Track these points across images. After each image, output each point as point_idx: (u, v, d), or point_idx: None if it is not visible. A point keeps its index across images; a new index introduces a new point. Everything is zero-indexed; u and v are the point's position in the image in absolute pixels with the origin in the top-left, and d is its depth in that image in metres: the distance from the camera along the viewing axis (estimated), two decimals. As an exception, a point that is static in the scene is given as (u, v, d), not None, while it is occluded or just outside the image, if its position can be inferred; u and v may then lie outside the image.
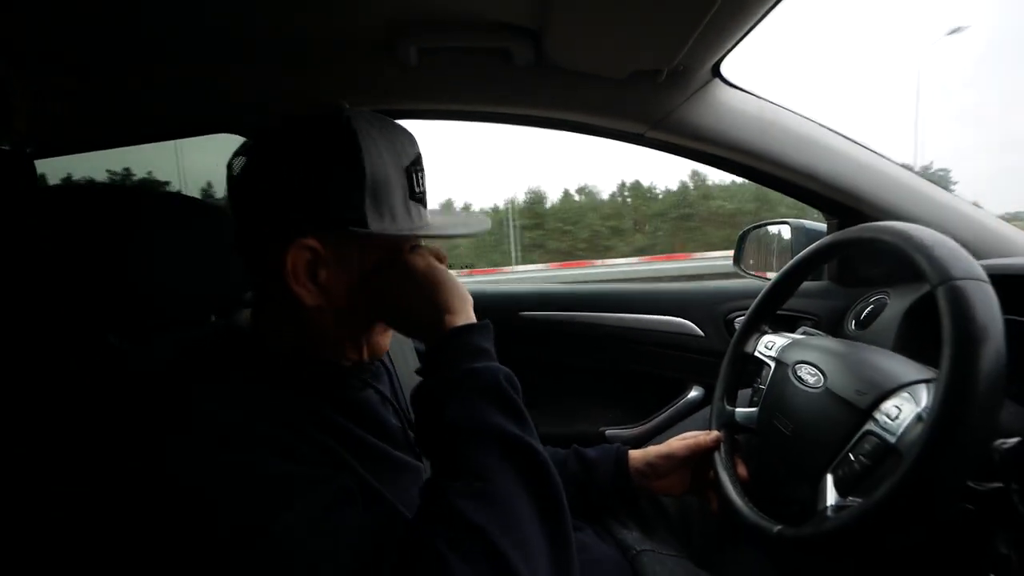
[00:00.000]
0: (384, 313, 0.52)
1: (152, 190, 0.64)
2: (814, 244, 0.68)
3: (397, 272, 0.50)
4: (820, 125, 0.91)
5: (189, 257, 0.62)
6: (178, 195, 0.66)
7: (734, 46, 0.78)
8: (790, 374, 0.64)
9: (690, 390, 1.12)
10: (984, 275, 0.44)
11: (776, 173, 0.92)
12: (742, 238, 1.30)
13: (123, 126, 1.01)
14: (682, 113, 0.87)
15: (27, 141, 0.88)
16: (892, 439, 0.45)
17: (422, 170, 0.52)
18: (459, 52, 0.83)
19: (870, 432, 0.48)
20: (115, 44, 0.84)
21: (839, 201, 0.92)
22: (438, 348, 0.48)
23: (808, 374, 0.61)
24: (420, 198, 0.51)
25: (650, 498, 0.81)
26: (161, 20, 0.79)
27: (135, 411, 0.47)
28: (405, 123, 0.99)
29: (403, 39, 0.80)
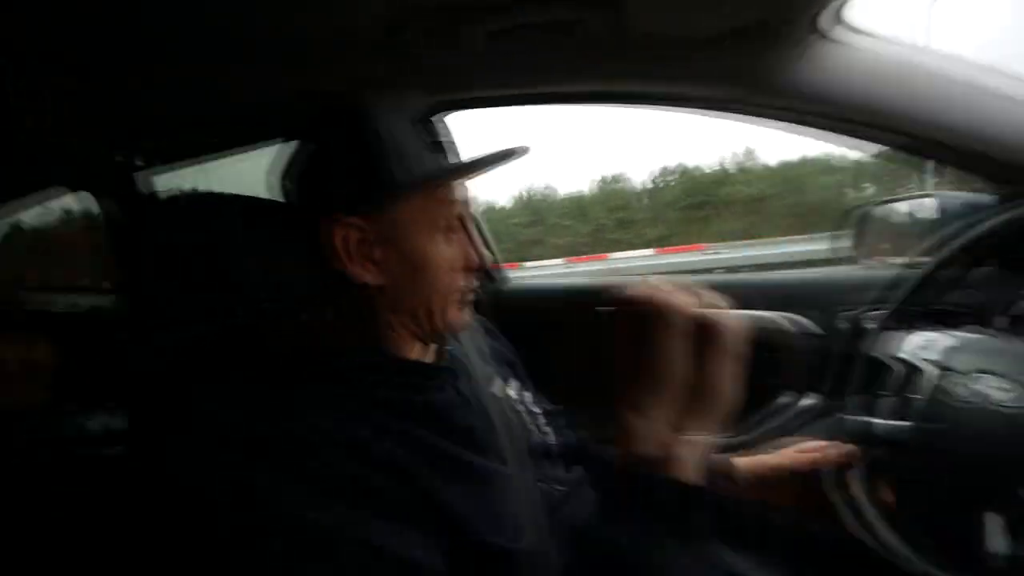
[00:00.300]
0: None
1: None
2: (1007, 213, 0.53)
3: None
4: (984, 68, 0.72)
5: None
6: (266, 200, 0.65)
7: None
8: (964, 384, 0.50)
9: (804, 397, 0.97)
10: None
11: (923, 134, 0.74)
12: (863, 219, 1.10)
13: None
14: (794, 73, 0.73)
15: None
16: None
17: (436, 120, 0.53)
18: (529, 30, 0.76)
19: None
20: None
21: (1015, 163, 0.72)
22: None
23: (995, 388, 0.47)
24: (443, 146, 0.52)
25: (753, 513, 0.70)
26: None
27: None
28: (475, 112, 0.94)
29: (468, 23, 0.75)
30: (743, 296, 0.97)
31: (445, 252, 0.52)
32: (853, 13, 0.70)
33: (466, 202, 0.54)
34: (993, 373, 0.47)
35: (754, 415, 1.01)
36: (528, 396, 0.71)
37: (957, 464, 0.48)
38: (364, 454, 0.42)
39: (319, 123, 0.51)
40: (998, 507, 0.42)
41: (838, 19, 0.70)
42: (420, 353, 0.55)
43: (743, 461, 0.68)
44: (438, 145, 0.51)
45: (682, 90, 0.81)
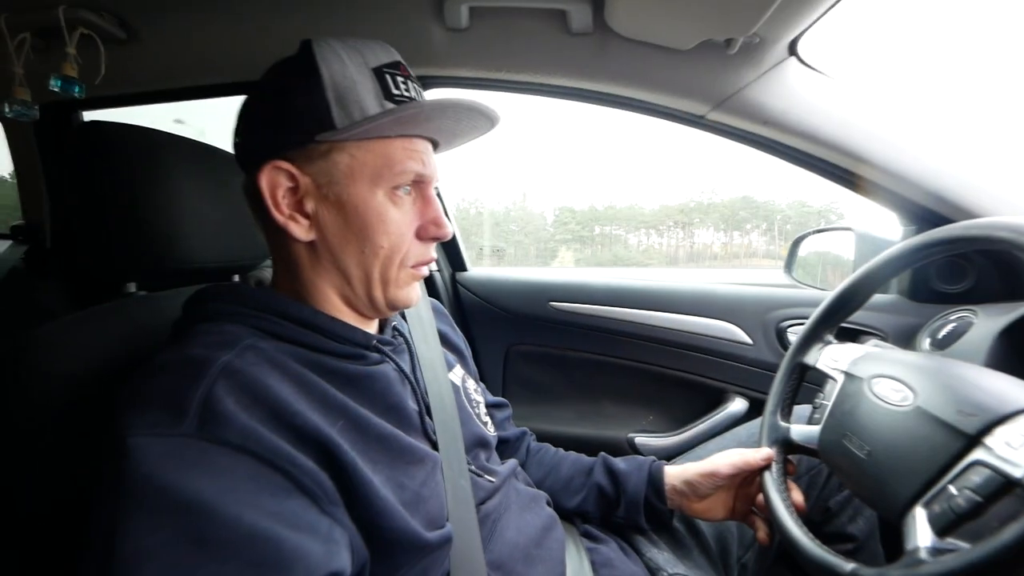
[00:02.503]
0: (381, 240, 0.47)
1: (185, 138, 0.60)
2: (902, 243, 0.59)
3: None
4: (909, 120, 0.81)
5: (219, 212, 0.60)
6: (217, 149, 0.63)
7: (819, 19, 0.70)
8: (866, 389, 0.55)
9: (732, 401, 1.03)
10: None
11: (852, 168, 0.82)
12: (796, 244, 1.21)
13: (167, 80, 1.00)
14: (751, 93, 0.79)
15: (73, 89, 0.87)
16: (1017, 472, 0.37)
17: (404, 77, 0.48)
18: (513, 13, 0.77)
19: (981, 462, 0.40)
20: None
21: (923, 205, 0.82)
22: None
23: (891, 390, 0.52)
24: (398, 99, 0.46)
25: (683, 517, 0.73)
26: None
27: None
28: (450, 92, 0.94)
29: (453, -3, 0.75)
30: (686, 304, 1.05)
31: (390, 212, 0.47)
32: (807, 48, 0.77)
33: (427, 166, 0.49)
34: (889, 377, 0.53)
35: (690, 418, 1.07)
36: (472, 384, 0.70)
37: (863, 462, 0.51)
38: (284, 418, 0.39)
39: (273, 68, 0.48)
40: (910, 502, 0.43)
41: (793, 52, 0.76)
42: (362, 323, 0.52)
43: (673, 469, 0.70)
44: (390, 95, 0.46)
45: (651, 98, 0.85)
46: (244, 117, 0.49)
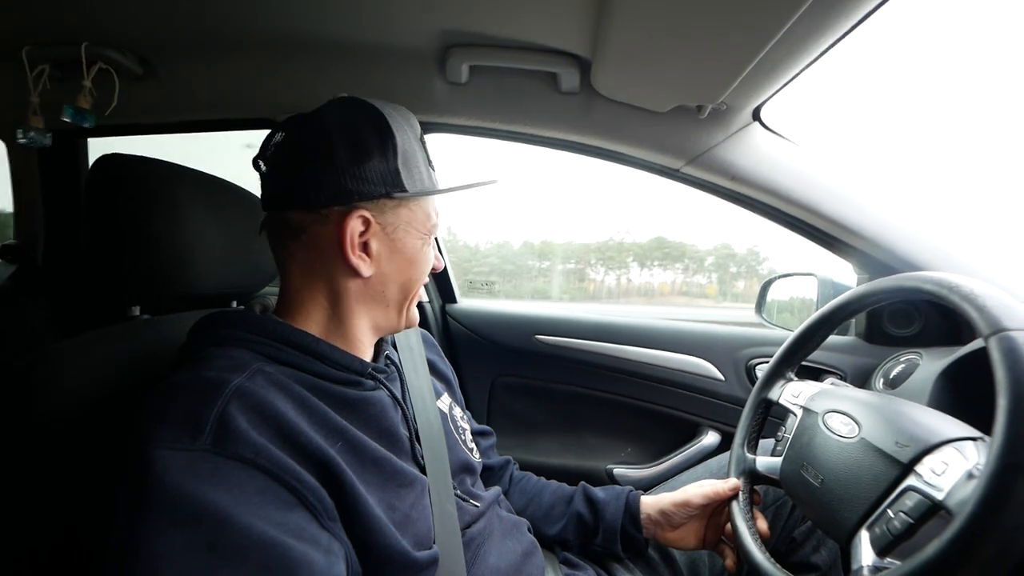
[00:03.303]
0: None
1: (194, 170, 0.64)
2: (850, 291, 0.66)
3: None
4: (860, 179, 0.91)
5: (220, 241, 0.63)
6: (218, 179, 0.66)
7: (778, 91, 0.79)
8: (820, 422, 0.61)
9: (705, 435, 1.08)
10: None
11: (810, 222, 0.91)
12: (765, 287, 1.29)
13: (175, 113, 1.05)
14: (719, 152, 0.88)
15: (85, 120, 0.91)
16: (939, 495, 0.42)
17: (426, 141, 0.59)
18: (508, 72, 0.85)
19: (912, 488, 0.45)
20: (177, 36, 0.88)
21: (874, 256, 0.90)
22: None
23: (840, 423, 0.58)
24: (433, 165, 0.58)
25: (658, 546, 0.76)
26: (223, 17, 0.83)
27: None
28: (448, 137, 1.01)
29: (455, 55, 0.83)
30: (663, 341, 1.11)
31: (427, 253, 0.58)
32: (770, 114, 0.87)
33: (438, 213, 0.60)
34: (839, 412, 0.59)
35: (666, 450, 1.11)
36: (459, 412, 0.73)
37: (817, 490, 0.56)
38: (290, 437, 0.42)
39: (340, 118, 0.51)
40: (856, 526, 0.48)
41: (756, 118, 0.86)
42: (359, 352, 0.56)
43: (649, 499, 0.74)
44: (430, 162, 0.58)
45: (631, 152, 0.93)
46: (306, 154, 0.50)
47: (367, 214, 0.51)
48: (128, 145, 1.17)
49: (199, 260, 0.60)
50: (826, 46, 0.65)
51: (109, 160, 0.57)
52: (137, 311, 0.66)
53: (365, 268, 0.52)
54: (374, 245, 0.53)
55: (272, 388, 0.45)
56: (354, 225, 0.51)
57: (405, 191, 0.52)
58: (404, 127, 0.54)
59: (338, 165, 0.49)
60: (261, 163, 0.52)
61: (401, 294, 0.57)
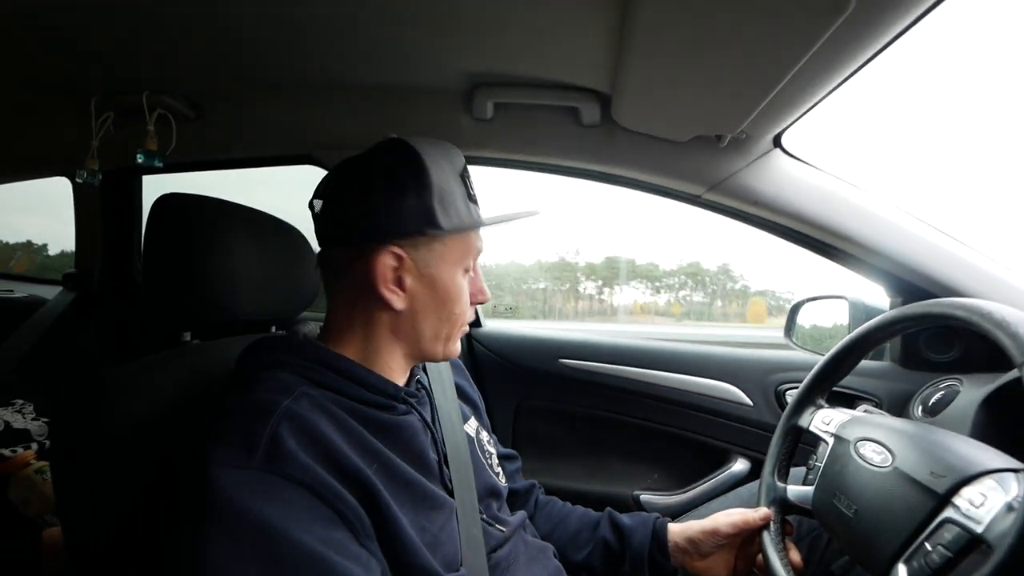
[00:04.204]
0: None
1: (241, 206, 0.69)
2: (879, 316, 0.66)
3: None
4: (886, 201, 0.90)
5: (264, 271, 0.66)
6: (260, 212, 0.70)
7: (798, 119, 0.81)
8: (852, 451, 0.60)
9: (734, 462, 1.06)
10: None
11: (838, 245, 0.91)
12: (795, 310, 1.27)
13: (223, 151, 1.14)
14: (740, 179, 0.89)
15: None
16: (979, 528, 0.41)
17: (470, 175, 0.59)
18: (531, 108, 0.89)
19: (950, 520, 0.44)
20: (225, 82, 0.96)
21: (905, 279, 0.89)
22: None
23: (873, 452, 0.57)
24: (475, 199, 0.58)
25: (687, 575, 0.75)
26: (266, 64, 0.90)
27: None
28: (477, 170, 1.06)
29: (481, 94, 0.88)
30: (689, 365, 1.10)
31: (464, 286, 0.58)
32: (792, 141, 0.88)
33: (480, 245, 0.60)
34: (872, 440, 0.58)
35: (694, 477, 1.09)
36: (485, 436, 0.74)
37: (850, 520, 0.55)
38: (333, 458, 0.45)
39: (379, 160, 0.54)
40: (893, 558, 0.47)
41: (777, 144, 0.87)
42: (394, 377, 0.58)
43: (677, 527, 0.73)
44: (471, 196, 0.58)
45: (653, 180, 0.96)
46: (348, 194, 0.54)
47: (399, 250, 0.53)
48: (176, 182, 1.27)
49: (246, 289, 0.64)
50: (843, 77, 0.67)
51: (169, 199, 0.62)
52: (188, 336, 0.71)
53: (397, 302, 0.54)
54: (408, 280, 0.54)
55: (316, 410, 0.47)
56: (385, 260, 0.53)
57: (439, 228, 0.53)
58: (443, 164, 0.55)
59: (374, 204, 0.52)
60: (315, 203, 0.56)
61: (438, 326, 0.57)
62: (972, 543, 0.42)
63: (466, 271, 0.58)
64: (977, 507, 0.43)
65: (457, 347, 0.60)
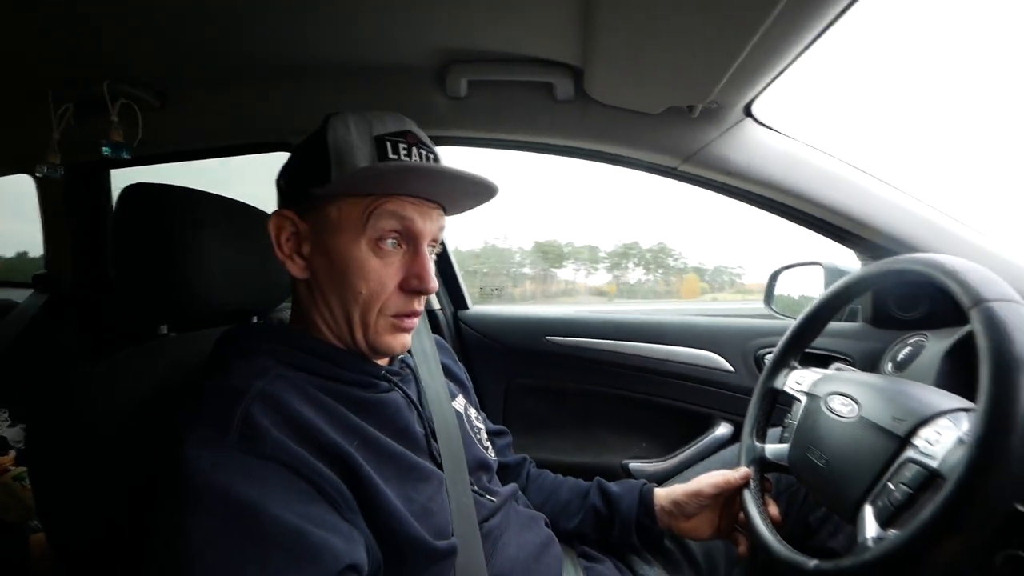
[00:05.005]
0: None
1: (211, 194, 0.67)
2: (844, 278, 0.68)
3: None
4: (855, 167, 0.92)
5: (240, 261, 0.66)
6: (233, 201, 0.69)
7: (766, 87, 0.81)
8: (822, 405, 0.62)
9: (718, 426, 1.09)
10: (1018, 297, 0.44)
11: (810, 211, 0.93)
12: (773, 278, 1.30)
13: (192, 141, 1.11)
14: (714, 149, 0.90)
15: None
16: (934, 463, 0.44)
17: (410, 144, 0.52)
18: (505, 85, 0.89)
19: (910, 459, 0.47)
20: (190, 68, 0.94)
21: (874, 241, 0.92)
22: None
23: (841, 404, 0.59)
24: (400, 167, 0.51)
25: (674, 536, 0.78)
26: (231, 48, 0.88)
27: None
28: (454, 151, 1.05)
29: (454, 71, 0.87)
30: (673, 336, 1.12)
31: (370, 262, 0.51)
32: (763, 110, 0.89)
33: (414, 223, 0.53)
34: (840, 393, 0.60)
35: (679, 443, 1.12)
36: (473, 413, 0.76)
37: (822, 471, 0.57)
38: (310, 435, 0.46)
39: (308, 136, 0.56)
40: (860, 501, 0.49)
41: (748, 114, 0.88)
42: (372, 354, 0.57)
43: (662, 491, 0.76)
44: (390, 160, 0.51)
45: (628, 153, 0.96)
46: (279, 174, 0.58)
47: (289, 212, 0.53)
48: (151, 176, 1.24)
49: (221, 279, 0.63)
50: (808, 40, 0.68)
51: (135, 190, 0.60)
52: (165, 330, 0.70)
53: (295, 269, 0.54)
54: (305, 247, 0.53)
55: (291, 391, 0.48)
56: (278, 223, 0.53)
57: (325, 182, 0.50)
58: (358, 127, 0.51)
59: (282, 172, 0.56)
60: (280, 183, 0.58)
61: (347, 307, 0.52)
62: (930, 479, 0.45)
63: (378, 244, 0.52)
64: (933, 444, 0.46)
65: (390, 341, 0.54)
